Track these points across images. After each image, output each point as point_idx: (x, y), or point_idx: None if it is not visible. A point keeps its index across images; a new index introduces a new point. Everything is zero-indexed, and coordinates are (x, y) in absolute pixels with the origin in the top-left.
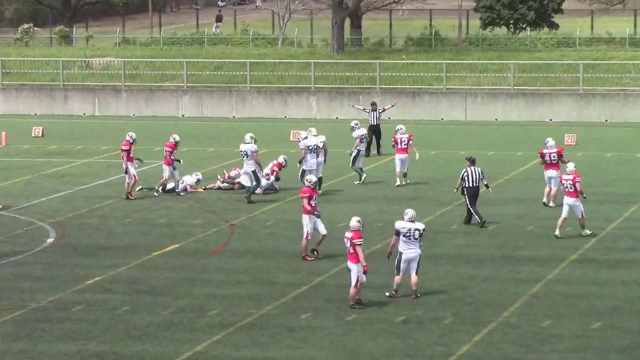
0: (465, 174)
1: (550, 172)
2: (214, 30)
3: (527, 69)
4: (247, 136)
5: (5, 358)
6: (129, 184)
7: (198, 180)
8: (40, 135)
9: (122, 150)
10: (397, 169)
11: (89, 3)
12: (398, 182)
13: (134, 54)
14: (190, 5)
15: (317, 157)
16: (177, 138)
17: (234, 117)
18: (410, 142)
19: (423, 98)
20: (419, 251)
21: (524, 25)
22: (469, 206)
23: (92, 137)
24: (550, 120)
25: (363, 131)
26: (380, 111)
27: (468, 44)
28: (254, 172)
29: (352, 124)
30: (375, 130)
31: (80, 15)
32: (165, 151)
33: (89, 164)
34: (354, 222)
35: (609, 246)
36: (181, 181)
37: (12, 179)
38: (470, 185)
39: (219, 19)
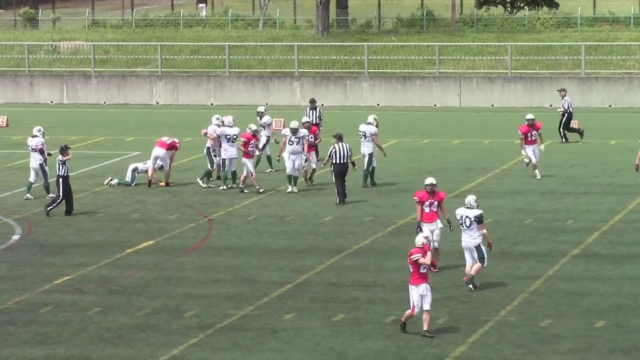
0: (333, 150)
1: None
2: (198, 12)
3: (525, 51)
4: (371, 117)
5: None
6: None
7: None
8: (4, 125)
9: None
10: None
11: None
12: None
13: (104, 37)
14: None
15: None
16: (254, 127)
17: (212, 104)
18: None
19: (414, 83)
20: (474, 241)
21: (522, 4)
22: (337, 185)
23: (60, 127)
24: (550, 106)
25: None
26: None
27: (462, 24)
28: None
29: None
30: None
31: None
32: (243, 143)
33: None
34: (419, 238)
35: (613, 240)
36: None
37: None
38: (338, 162)
39: (202, 0)
